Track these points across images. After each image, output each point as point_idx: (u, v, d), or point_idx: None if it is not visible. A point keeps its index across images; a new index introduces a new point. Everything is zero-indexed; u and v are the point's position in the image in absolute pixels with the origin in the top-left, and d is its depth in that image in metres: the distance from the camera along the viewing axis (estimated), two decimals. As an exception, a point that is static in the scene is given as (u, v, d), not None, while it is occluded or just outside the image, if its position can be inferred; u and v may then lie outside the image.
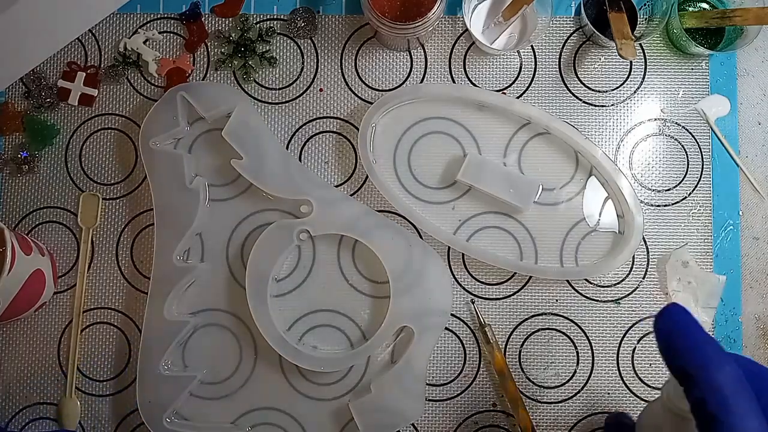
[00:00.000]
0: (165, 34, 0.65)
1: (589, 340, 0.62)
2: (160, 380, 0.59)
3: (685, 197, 0.63)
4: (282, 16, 0.65)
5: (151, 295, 0.60)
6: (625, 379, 0.62)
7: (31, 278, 0.57)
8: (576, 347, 0.62)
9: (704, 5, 0.63)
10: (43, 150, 0.64)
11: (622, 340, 0.62)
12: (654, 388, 0.61)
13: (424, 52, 0.64)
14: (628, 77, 0.64)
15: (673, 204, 0.63)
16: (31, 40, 0.62)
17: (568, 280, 0.62)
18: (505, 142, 0.63)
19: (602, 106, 0.63)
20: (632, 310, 0.62)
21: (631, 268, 0.62)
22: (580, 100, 0.63)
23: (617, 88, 0.64)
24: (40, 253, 0.60)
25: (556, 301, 0.62)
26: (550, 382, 0.62)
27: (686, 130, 0.63)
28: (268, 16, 0.65)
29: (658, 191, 0.63)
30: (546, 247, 0.62)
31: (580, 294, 0.62)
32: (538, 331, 0.62)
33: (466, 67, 0.64)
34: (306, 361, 0.59)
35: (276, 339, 0.59)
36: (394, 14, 0.57)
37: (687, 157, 0.63)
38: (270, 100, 0.64)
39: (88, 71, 0.65)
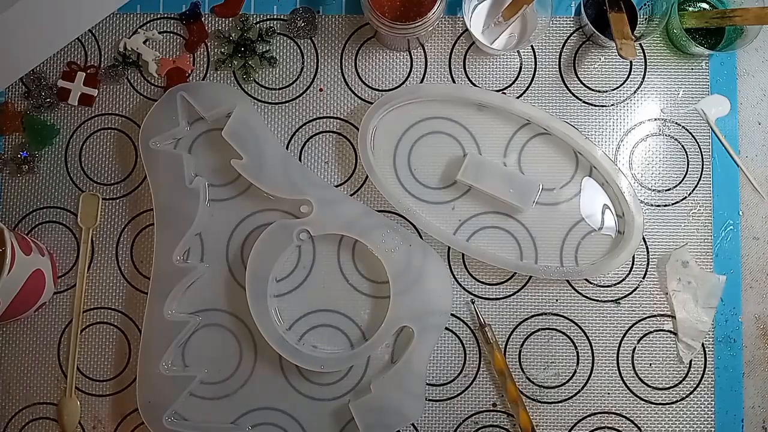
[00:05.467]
0: (165, 34, 0.65)
1: (589, 340, 0.62)
2: (160, 380, 0.59)
3: (685, 197, 0.63)
4: (282, 16, 0.65)
5: (151, 295, 0.60)
6: (625, 379, 0.62)
7: (31, 278, 0.57)
8: (576, 347, 0.62)
9: (704, 5, 0.63)
10: (43, 150, 0.64)
11: (622, 340, 0.62)
12: (654, 388, 0.61)
13: (424, 52, 0.64)
14: (628, 77, 0.64)
15: (673, 204, 0.63)
16: (31, 40, 0.62)
17: (568, 280, 0.62)
18: (505, 142, 0.63)
19: (602, 106, 0.63)
20: (632, 310, 0.62)
21: (631, 268, 0.62)
22: (580, 100, 0.63)
23: (617, 88, 0.64)
24: (40, 253, 0.60)
25: (556, 301, 0.62)
26: (550, 382, 0.62)
27: (686, 130, 0.63)
28: (268, 16, 0.65)
29: (658, 191, 0.63)
30: (546, 247, 0.62)
31: (580, 294, 0.62)
32: (538, 331, 0.62)
33: (466, 67, 0.64)
34: (306, 361, 0.59)
35: (276, 339, 0.59)
36: (394, 14, 0.57)
37: (687, 157, 0.63)
38: (270, 100, 0.64)
39: (88, 71, 0.65)
